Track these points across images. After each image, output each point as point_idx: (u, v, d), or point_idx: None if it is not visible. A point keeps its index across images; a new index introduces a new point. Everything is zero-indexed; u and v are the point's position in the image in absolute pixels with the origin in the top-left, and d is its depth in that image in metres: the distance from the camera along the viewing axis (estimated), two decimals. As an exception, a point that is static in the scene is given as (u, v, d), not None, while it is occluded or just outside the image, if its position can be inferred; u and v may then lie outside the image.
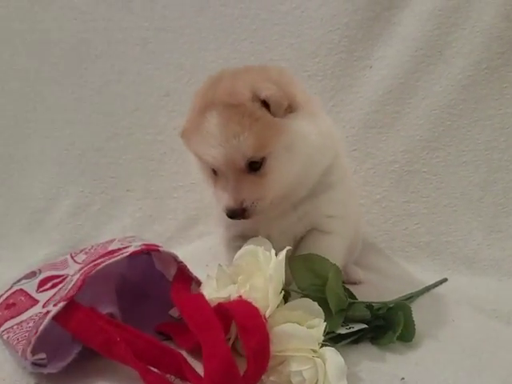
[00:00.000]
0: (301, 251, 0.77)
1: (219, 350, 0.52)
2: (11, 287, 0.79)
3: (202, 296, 0.62)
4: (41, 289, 0.77)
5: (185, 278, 0.71)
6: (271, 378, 0.56)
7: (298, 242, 0.80)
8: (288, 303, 0.61)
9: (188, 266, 0.72)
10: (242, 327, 0.53)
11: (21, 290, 0.77)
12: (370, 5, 1.19)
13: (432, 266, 1.09)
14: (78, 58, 1.32)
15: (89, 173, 1.26)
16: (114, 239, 0.87)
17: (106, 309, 0.63)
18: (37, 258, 1.09)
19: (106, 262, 0.63)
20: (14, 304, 0.73)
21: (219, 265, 0.66)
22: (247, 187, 0.67)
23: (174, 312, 0.75)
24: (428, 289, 0.95)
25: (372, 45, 1.20)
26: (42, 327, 0.57)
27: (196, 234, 1.22)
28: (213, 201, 0.76)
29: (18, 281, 0.81)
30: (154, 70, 1.30)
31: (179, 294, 0.67)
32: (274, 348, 0.56)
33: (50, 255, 1.09)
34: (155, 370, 0.56)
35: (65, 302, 0.58)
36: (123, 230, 1.18)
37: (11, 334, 0.62)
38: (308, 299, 0.62)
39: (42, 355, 0.58)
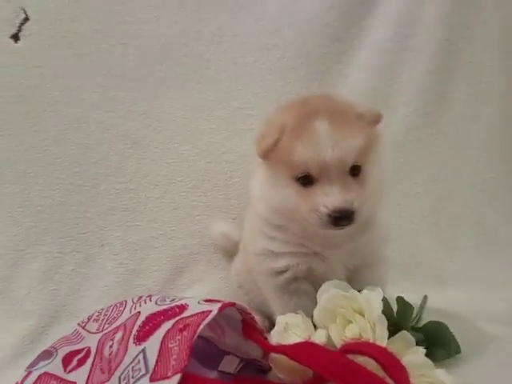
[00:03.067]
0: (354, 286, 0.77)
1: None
2: (29, 372, 0.69)
3: (315, 344, 0.60)
4: (68, 368, 0.68)
5: (253, 330, 0.67)
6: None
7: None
8: (390, 338, 0.62)
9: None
10: (390, 367, 0.52)
11: (46, 373, 0.68)
12: (321, 58, 1.34)
13: (409, 286, 1.17)
14: (25, 106, 1.19)
15: (53, 230, 1.11)
16: (125, 300, 0.79)
17: (211, 373, 0.56)
18: (15, 334, 0.94)
19: (204, 323, 0.56)
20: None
21: (298, 312, 0.68)
22: (353, 188, 0.68)
23: (227, 366, 0.70)
24: (422, 307, 1.03)
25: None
26: None
27: (186, 282, 1.16)
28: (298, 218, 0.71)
29: (34, 364, 0.71)
30: (117, 118, 1.23)
31: (276, 347, 0.63)
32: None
33: (32, 328, 0.97)
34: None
35: (179, 374, 0.50)
36: (107, 289, 1.08)
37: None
38: (404, 331, 0.64)
39: None
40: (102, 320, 0.77)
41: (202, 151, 1.26)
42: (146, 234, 1.17)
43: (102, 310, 0.80)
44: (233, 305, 0.63)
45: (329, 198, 0.66)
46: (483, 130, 1.35)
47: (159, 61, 1.29)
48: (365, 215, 0.71)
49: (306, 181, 0.69)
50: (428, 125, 1.34)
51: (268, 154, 0.72)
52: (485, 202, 1.31)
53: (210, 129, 1.28)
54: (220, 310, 0.59)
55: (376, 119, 0.74)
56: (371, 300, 0.62)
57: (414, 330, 0.77)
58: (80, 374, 0.66)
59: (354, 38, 1.34)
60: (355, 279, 0.78)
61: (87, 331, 0.77)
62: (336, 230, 0.68)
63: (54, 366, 0.68)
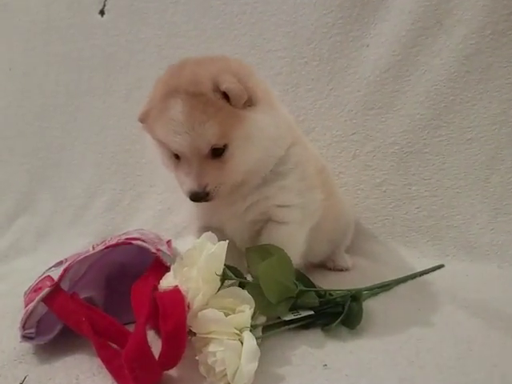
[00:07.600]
0: (259, 242, 0.80)
1: (139, 332, 0.60)
2: (44, 273, 0.90)
3: (149, 285, 0.68)
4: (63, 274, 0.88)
5: (161, 267, 0.78)
6: (196, 358, 0.61)
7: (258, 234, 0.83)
8: (220, 291, 0.65)
9: (162, 257, 0.79)
10: (162, 314, 0.59)
11: (48, 276, 0.86)
12: (364, -19, 1.15)
13: (431, 251, 1.04)
14: (106, 70, 1.49)
15: (120, 172, 1.44)
16: (128, 231, 0.99)
17: (88, 293, 0.74)
18: (75, 248, 1.25)
19: (80, 258, 0.75)
20: (40, 288, 0.82)
21: (178, 256, 0.69)
22: (210, 172, 0.70)
23: None
24: (413, 276, 0.92)
25: (368, 22, 1.16)
26: (31, 307, 0.70)
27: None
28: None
29: (49, 268, 0.92)
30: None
31: (139, 282, 0.73)
32: (199, 330, 0.61)
33: (87, 244, 1.25)
34: (114, 345, 0.65)
35: (50, 288, 0.70)
36: (146, 222, 1.34)
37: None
38: (238, 288, 0.66)
39: (32, 330, 0.70)
40: (105, 243, 1.01)
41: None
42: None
43: (114, 235, 0.99)
44: (126, 243, 0.77)
45: (187, 179, 0.71)
46: None
47: (202, 14, 1.37)
48: (228, 188, 0.73)
49: (175, 155, 0.74)
50: (496, 48, 1.02)
51: (144, 121, 0.76)
52: None
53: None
54: (108, 247, 0.77)
55: (238, 101, 0.68)
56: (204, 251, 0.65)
57: (323, 295, 0.76)
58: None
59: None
60: (262, 235, 0.81)
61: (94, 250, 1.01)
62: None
63: (56, 272, 0.86)
